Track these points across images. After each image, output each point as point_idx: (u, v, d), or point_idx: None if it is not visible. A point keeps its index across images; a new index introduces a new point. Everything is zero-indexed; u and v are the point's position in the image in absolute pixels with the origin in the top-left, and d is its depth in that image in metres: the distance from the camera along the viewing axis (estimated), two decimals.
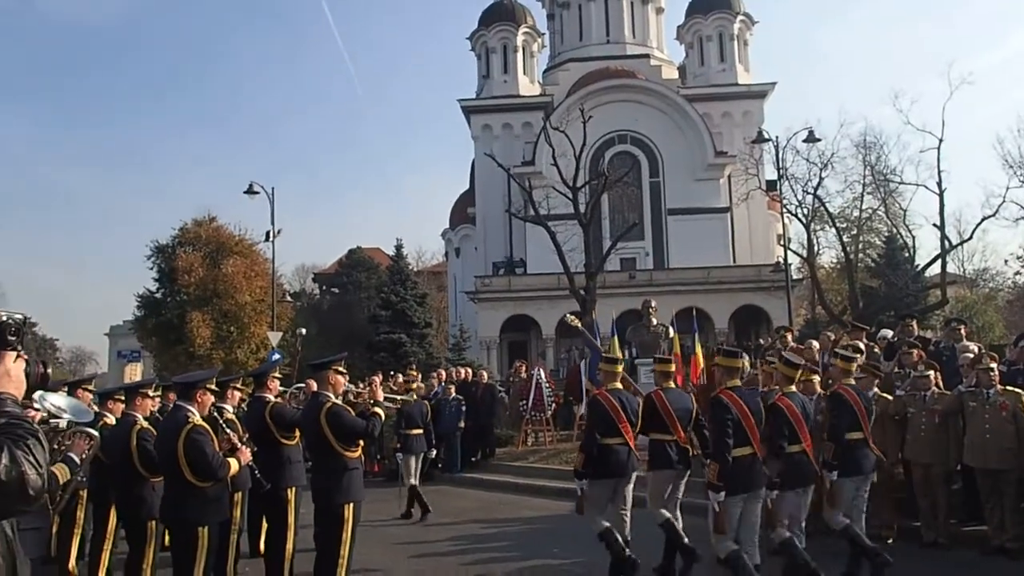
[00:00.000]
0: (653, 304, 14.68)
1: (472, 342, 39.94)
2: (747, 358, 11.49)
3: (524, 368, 18.84)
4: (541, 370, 18.00)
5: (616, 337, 16.26)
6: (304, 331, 29.58)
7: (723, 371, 6.74)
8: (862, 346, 10.20)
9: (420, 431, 11.51)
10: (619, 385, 7.52)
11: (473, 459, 15.63)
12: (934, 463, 8.18)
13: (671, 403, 7.37)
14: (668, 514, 7.22)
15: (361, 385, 12.16)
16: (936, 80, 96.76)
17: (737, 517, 6.32)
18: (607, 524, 7.06)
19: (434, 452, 12.92)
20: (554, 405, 17.13)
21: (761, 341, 19.62)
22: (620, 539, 7.05)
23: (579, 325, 12.96)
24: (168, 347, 36.71)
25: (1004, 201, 30.10)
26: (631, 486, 7.40)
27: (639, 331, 14.61)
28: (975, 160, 54.64)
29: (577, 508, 7.20)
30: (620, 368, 7.70)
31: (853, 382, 7.23)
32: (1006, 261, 49.04)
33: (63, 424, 4.30)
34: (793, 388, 6.82)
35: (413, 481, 11.25)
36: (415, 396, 11.30)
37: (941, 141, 28.71)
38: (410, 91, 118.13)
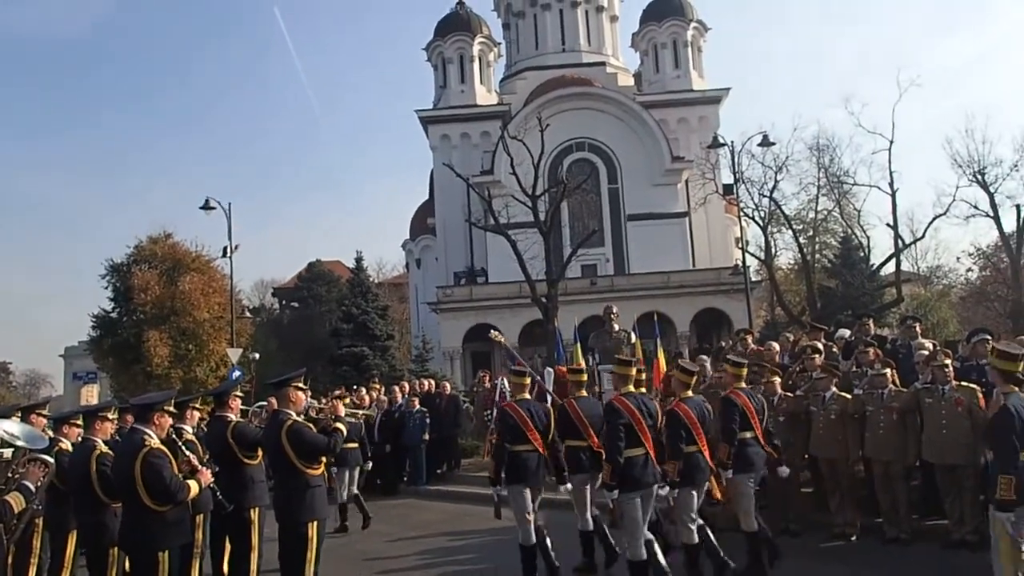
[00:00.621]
0: (615, 310, 14.70)
1: (435, 353, 39.78)
2: (708, 361, 11.63)
3: (488, 378, 18.80)
4: (505, 379, 17.96)
5: (579, 344, 16.31)
6: (257, 356, 29.23)
7: (618, 378, 7.35)
8: (820, 346, 10.35)
9: (355, 445, 11.50)
10: (526, 396, 8.01)
11: (438, 471, 15.55)
12: (893, 460, 8.30)
13: (583, 411, 7.78)
14: (591, 522, 7.64)
15: (324, 400, 12.07)
16: (886, 83, 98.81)
17: (640, 514, 6.70)
18: (534, 538, 7.50)
19: (370, 464, 12.81)
20: None
21: (723, 343, 19.77)
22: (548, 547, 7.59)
23: (503, 340, 13.02)
24: (125, 367, 36.11)
25: (954, 200, 30.94)
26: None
27: (601, 337, 14.60)
28: (926, 160, 56.11)
29: (495, 513, 7.79)
30: (527, 380, 8.17)
31: (744, 385, 7.73)
32: (958, 258, 50.34)
33: (8, 454, 4.20)
34: (690, 393, 7.27)
35: (353, 491, 11.52)
36: (375, 410, 11.24)
37: (892, 142, 29.43)
38: (367, 103, 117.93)
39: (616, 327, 14.50)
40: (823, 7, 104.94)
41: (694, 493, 7.00)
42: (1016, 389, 5.42)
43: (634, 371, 7.48)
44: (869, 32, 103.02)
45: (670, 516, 7.14)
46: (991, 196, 31.26)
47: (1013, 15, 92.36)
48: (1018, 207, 31.33)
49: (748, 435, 7.32)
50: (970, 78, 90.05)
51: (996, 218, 31.75)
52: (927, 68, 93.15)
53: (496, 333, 13.00)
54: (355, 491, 11.64)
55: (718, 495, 7.38)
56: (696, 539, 6.98)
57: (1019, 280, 31.84)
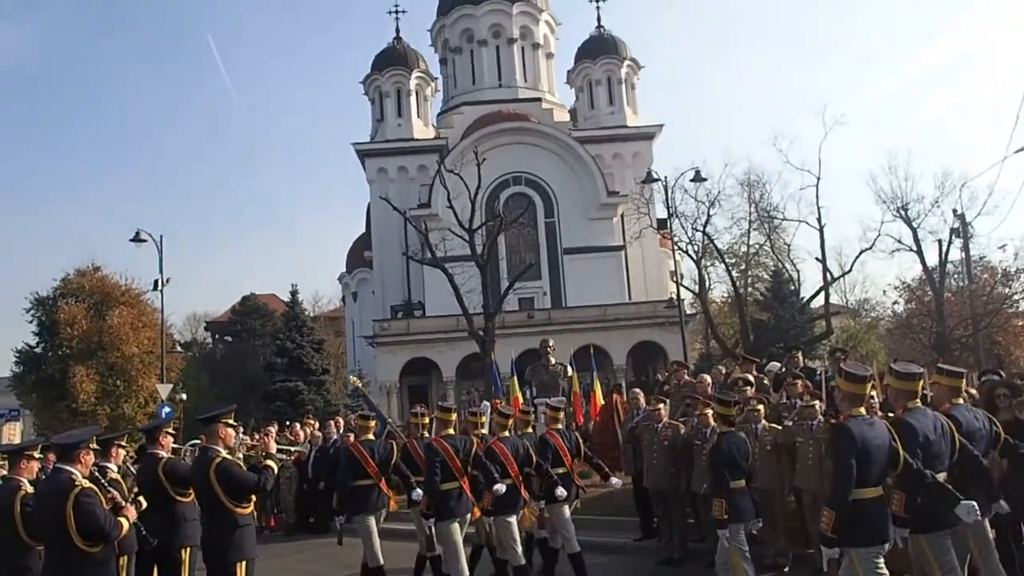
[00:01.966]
0: (551, 344, 14.81)
1: (371, 387, 39.38)
2: (641, 394, 11.76)
3: (500, 405, 18.62)
4: (485, 403, 17.86)
5: (516, 377, 16.33)
6: (185, 396, 28.55)
7: (439, 423, 8.62)
8: (751, 378, 10.56)
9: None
10: (451, 431, 8.50)
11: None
12: (821, 490, 8.45)
13: (508, 449, 8.42)
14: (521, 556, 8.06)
15: (256, 436, 11.81)
16: (812, 120, 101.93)
17: (458, 538, 7.72)
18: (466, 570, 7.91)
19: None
20: None
21: (659, 376, 19.99)
22: None
23: (360, 386, 13.19)
24: (49, 404, 34.95)
25: (879, 235, 31.87)
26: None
27: (538, 371, 14.68)
28: (851, 195, 57.86)
29: (428, 546, 8.46)
30: (453, 416, 8.81)
31: (560, 426, 9.09)
32: (884, 291, 51.82)
33: None
34: (506, 433, 8.46)
35: None
36: (307, 446, 11.07)
37: (819, 179, 30.23)
38: (304, 135, 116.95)
39: (553, 360, 14.60)
40: (752, 48, 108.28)
41: (511, 520, 8.01)
42: (863, 412, 5.54)
43: (453, 416, 8.68)
44: (796, 71, 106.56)
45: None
46: (914, 231, 32.29)
47: (926, 59, 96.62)
48: (940, 242, 32.42)
49: (562, 470, 8.51)
50: (892, 117, 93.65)
51: (919, 253, 32.76)
52: (852, 106, 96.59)
53: (355, 379, 13.29)
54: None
55: (528, 521, 8.48)
56: (522, 560, 7.97)
57: (942, 313, 32.88)
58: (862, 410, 5.49)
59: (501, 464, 8.06)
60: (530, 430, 9.17)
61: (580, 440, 9.34)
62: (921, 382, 5.89)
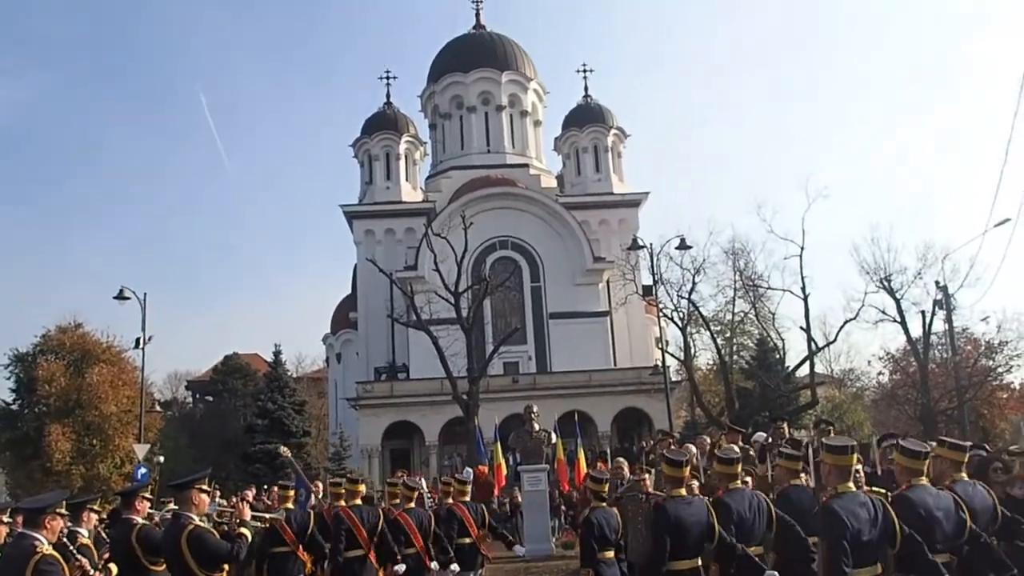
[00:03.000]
0: (535, 409, 14.67)
1: (353, 451, 38.84)
2: (626, 463, 11.61)
3: (406, 477, 18.32)
4: (422, 480, 17.58)
5: (499, 443, 16.15)
6: (163, 459, 28.12)
7: (348, 493, 9.14)
8: (737, 449, 10.43)
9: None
10: (359, 501, 9.07)
11: None
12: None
13: (413, 520, 9.08)
14: None
15: (233, 499, 11.50)
16: (796, 191, 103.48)
17: None
18: None
19: None
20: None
21: (643, 444, 19.83)
22: None
23: (289, 456, 13.11)
24: (23, 463, 34.24)
25: (863, 305, 32.04)
26: None
27: (522, 437, 14.52)
28: (835, 265, 58.41)
29: None
30: (362, 487, 9.48)
31: (466, 498, 9.81)
32: (869, 361, 51.97)
33: None
34: (412, 505, 9.28)
35: None
36: (282, 512, 10.76)
37: (803, 249, 30.51)
38: (291, 196, 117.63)
39: (537, 426, 14.46)
40: (735, 119, 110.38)
41: None
42: (683, 492, 5.85)
43: (362, 488, 9.39)
44: (779, 143, 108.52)
45: None
46: (897, 302, 32.47)
47: (901, 135, 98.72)
48: (923, 313, 32.60)
49: (467, 540, 9.16)
50: (874, 187, 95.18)
51: (903, 323, 32.89)
52: (835, 176, 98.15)
53: (285, 449, 13.36)
54: None
55: None
56: None
57: (927, 385, 32.89)
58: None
59: (405, 535, 8.68)
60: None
61: (485, 511, 9.95)
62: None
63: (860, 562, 5.01)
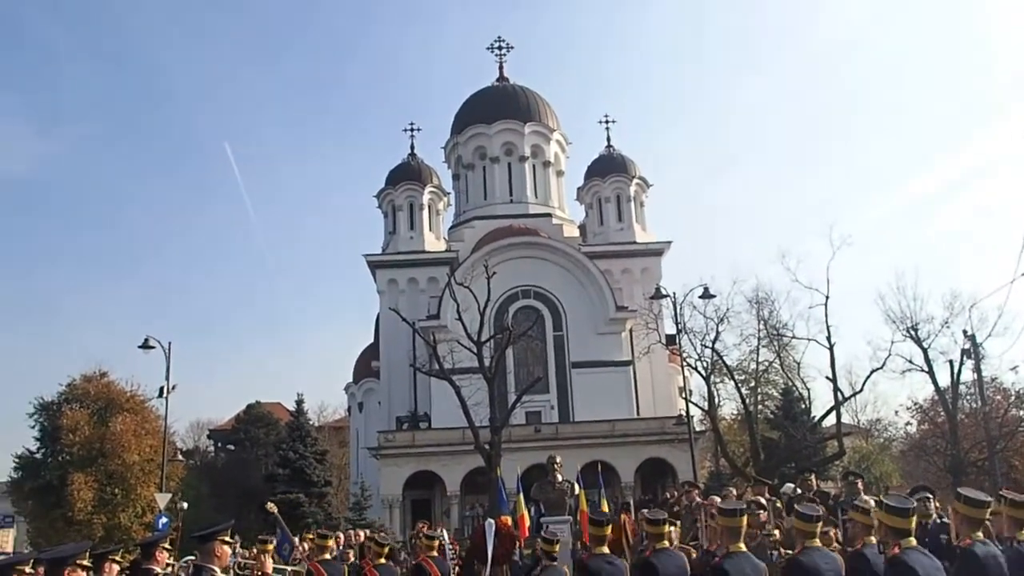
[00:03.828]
0: (558, 460, 14.56)
1: (374, 500, 38.54)
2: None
3: (426, 528, 18.15)
4: (444, 530, 17.42)
5: (521, 494, 15.97)
6: (186, 505, 28.07)
7: (317, 548, 9.26)
8: (764, 501, 10.28)
9: None
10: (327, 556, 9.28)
11: None
12: None
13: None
14: None
15: (254, 550, 11.43)
16: (820, 239, 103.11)
17: None
18: None
19: None
20: (456, 568, 16.41)
21: (668, 495, 19.55)
22: None
23: (276, 512, 13.16)
24: (45, 512, 34.33)
25: (890, 355, 31.64)
26: None
27: (544, 488, 14.40)
28: (861, 313, 57.92)
29: None
30: (330, 543, 9.86)
31: (434, 554, 10.18)
32: (896, 412, 51.13)
33: None
34: (434, 554, 9.97)
35: None
36: (304, 565, 10.75)
37: (828, 298, 30.25)
38: (315, 246, 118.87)
39: (560, 477, 14.34)
40: (757, 166, 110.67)
41: None
42: (912, 542, 5.31)
43: (331, 542, 9.87)
44: (802, 188, 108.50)
45: None
46: (925, 352, 32.09)
47: (932, 178, 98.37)
48: (951, 363, 32.15)
49: None
50: (899, 234, 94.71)
51: (931, 373, 32.47)
52: (859, 223, 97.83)
53: (271, 505, 13.47)
54: None
55: None
56: None
57: (956, 435, 32.32)
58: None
59: None
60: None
61: (451, 567, 10.77)
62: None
63: None
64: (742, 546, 5.48)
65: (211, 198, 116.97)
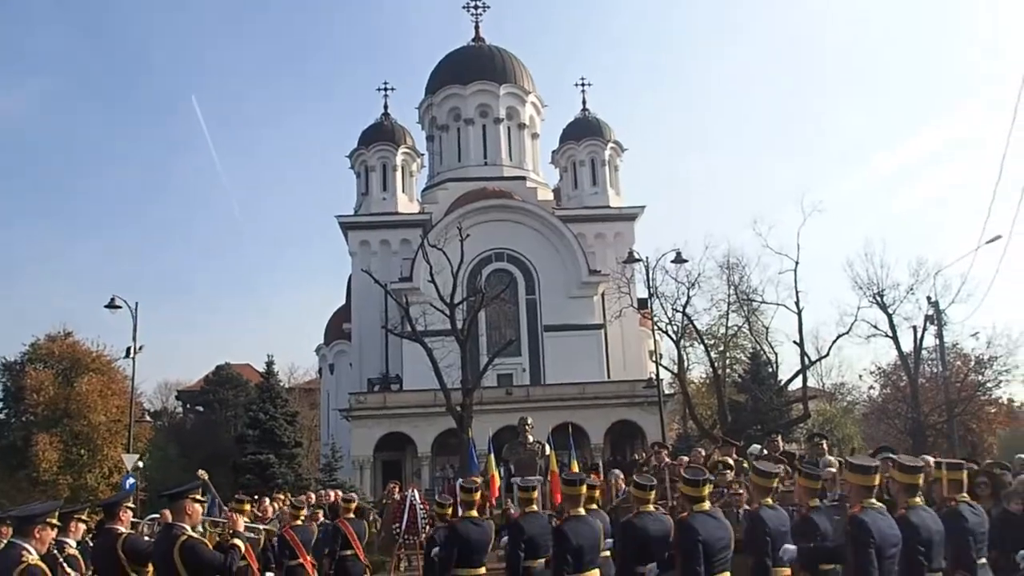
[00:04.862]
0: (529, 422, 14.65)
1: (344, 462, 38.62)
2: (621, 475, 11.56)
3: (397, 489, 18.25)
4: (415, 491, 17.49)
5: (492, 455, 16.07)
6: (141, 464, 27.89)
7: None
8: (732, 461, 10.41)
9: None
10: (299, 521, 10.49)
11: None
12: None
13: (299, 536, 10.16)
14: None
15: (225, 510, 11.44)
16: (792, 206, 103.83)
17: None
18: None
19: None
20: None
21: (637, 456, 19.78)
22: None
23: (206, 478, 13.43)
24: (9, 473, 34.02)
25: (856, 320, 32.11)
26: None
27: (515, 449, 14.50)
28: (829, 280, 58.60)
29: None
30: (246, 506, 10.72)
31: (351, 515, 10.88)
32: (860, 376, 52.00)
33: None
34: (298, 522, 10.41)
35: None
36: (276, 524, 10.88)
37: (797, 264, 30.55)
38: (286, 207, 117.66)
39: (530, 439, 14.43)
40: (732, 134, 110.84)
41: None
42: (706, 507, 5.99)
43: (303, 511, 10.78)
44: (776, 158, 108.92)
45: None
46: (890, 317, 32.56)
47: (904, 151, 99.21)
48: (915, 329, 32.69)
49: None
50: (869, 204, 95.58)
51: (895, 338, 33.00)
52: (830, 193, 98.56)
53: (202, 472, 13.70)
54: None
55: None
56: None
57: (917, 399, 32.96)
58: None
59: (291, 549, 9.89)
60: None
61: (367, 527, 11.21)
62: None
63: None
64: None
65: (179, 156, 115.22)
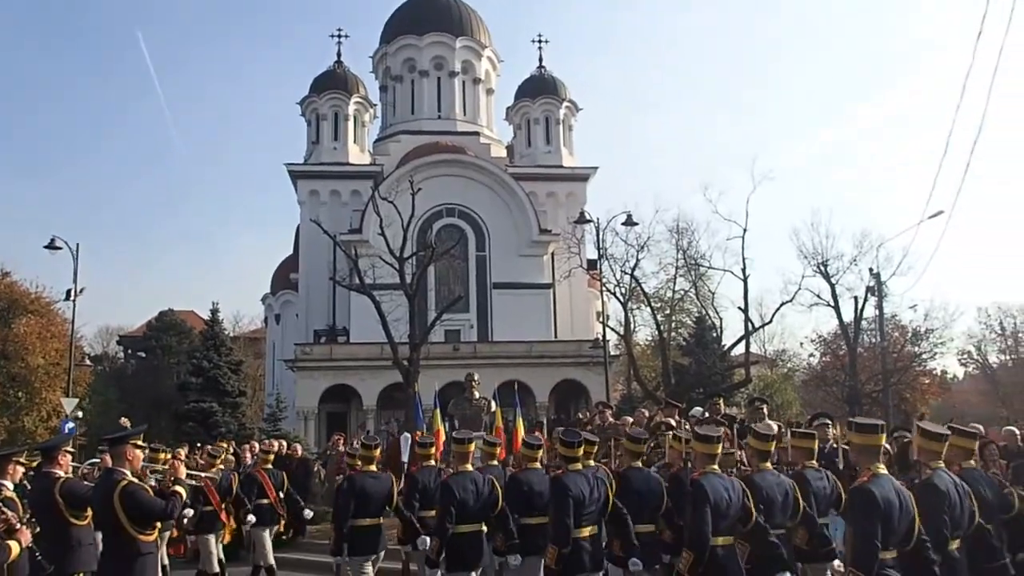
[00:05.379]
0: (476, 377, 14.70)
1: (289, 412, 38.49)
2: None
3: (342, 441, 18.26)
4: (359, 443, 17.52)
5: (438, 410, 16.14)
6: (82, 413, 27.45)
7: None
8: (674, 422, 10.59)
9: (267, 501, 11.05)
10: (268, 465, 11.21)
11: (284, 537, 14.83)
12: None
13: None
14: None
15: (165, 456, 11.38)
16: (743, 173, 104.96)
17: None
18: None
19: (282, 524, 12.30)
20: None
21: (581, 415, 20.03)
22: None
23: (128, 424, 13.81)
24: None
25: (800, 288, 32.70)
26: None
27: (461, 404, 14.55)
28: (775, 248, 59.64)
29: None
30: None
31: (269, 466, 11.39)
32: (801, 343, 53.17)
33: None
34: (269, 465, 11.38)
35: (269, 559, 10.90)
36: (218, 472, 10.88)
37: (745, 231, 30.90)
38: (234, 153, 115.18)
39: (477, 395, 14.49)
40: (685, 99, 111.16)
41: (209, 537, 10.63)
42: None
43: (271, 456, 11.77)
44: (727, 126, 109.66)
45: None
46: (832, 287, 33.23)
47: (847, 122, 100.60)
48: (856, 299, 33.44)
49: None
50: (817, 176, 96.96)
51: (836, 308, 33.69)
52: (780, 163, 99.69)
53: (124, 420, 13.80)
54: (271, 560, 10.88)
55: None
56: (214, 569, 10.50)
57: (855, 368, 33.83)
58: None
59: (260, 487, 10.92)
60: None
61: (285, 477, 11.56)
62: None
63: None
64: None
65: (125, 98, 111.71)
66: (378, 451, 8.97)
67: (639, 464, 7.31)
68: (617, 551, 6.86)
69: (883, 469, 5.19)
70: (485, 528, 7.46)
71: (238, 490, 10.81)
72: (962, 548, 5.40)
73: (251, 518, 10.56)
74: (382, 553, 8.57)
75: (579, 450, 6.76)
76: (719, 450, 6.13)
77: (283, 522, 11.86)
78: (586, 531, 6.59)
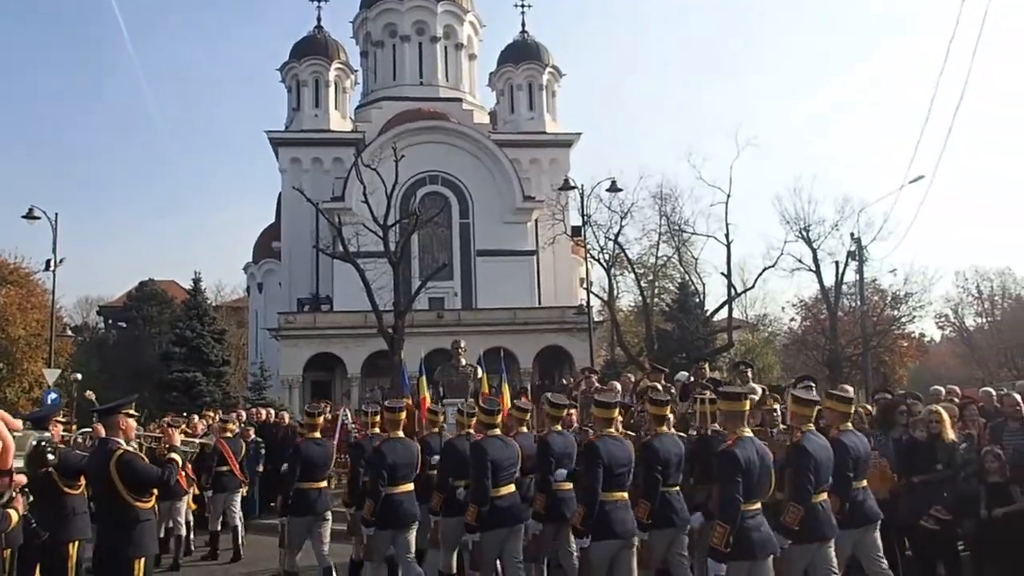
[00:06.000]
0: (463, 344, 14.74)
1: (273, 381, 38.51)
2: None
3: (328, 408, 18.32)
4: (347, 411, 17.61)
5: (424, 377, 16.22)
6: (80, 376, 27.36)
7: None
8: (660, 387, 10.72)
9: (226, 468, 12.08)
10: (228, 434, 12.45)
11: (272, 504, 14.94)
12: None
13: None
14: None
15: (151, 428, 11.49)
16: (726, 140, 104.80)
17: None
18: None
19: (244, 489, 12.83)
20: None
21: (566, 381, 20.20)
22: None
23: (93, 398, 14.29)
24: None
25: (782, 254, 33.02)
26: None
27: (447, 371, 14.60)
28: (758, 214, 59.85)
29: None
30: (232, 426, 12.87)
31: (229, 435, 12.40)
32: (783, 308, 53.72)
33: None
34: (229, 434, 12.38)
35: (234, 520, 11.99)
36: (212, 438, 11.12)
37: (729, 197, 31.11)
38: (215, 121, 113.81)
39: (463, 362, 14.54)
40: (669, 64, 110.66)
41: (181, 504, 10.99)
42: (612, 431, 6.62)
43: (232, 425, 13.04)
44: (711, 92, 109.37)
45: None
46: (814, 252, 33.54)
47: (830, 88, 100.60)
48: (837, 264, 33.76)
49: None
50: (800, 142, 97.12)
51: (818, 273, 34.04)
52: (764, 129, 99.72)
53: (90, 393, 14.08)
54: (236, 522, 11.92)
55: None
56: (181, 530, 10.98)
57: (836, 332, 34.22)
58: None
59: (220, 456, 11.79)
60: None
61: (245, 445, 12.49)
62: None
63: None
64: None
65: (101, 66, 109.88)
66: (320, 419, 9.47)
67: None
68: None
69: (748, 432, 5.83)
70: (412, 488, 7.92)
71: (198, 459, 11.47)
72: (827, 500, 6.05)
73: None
74: (327, 513, 8.79)
75: (496, 417, 7.40)
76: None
77: (244, 488, 12.73)
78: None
